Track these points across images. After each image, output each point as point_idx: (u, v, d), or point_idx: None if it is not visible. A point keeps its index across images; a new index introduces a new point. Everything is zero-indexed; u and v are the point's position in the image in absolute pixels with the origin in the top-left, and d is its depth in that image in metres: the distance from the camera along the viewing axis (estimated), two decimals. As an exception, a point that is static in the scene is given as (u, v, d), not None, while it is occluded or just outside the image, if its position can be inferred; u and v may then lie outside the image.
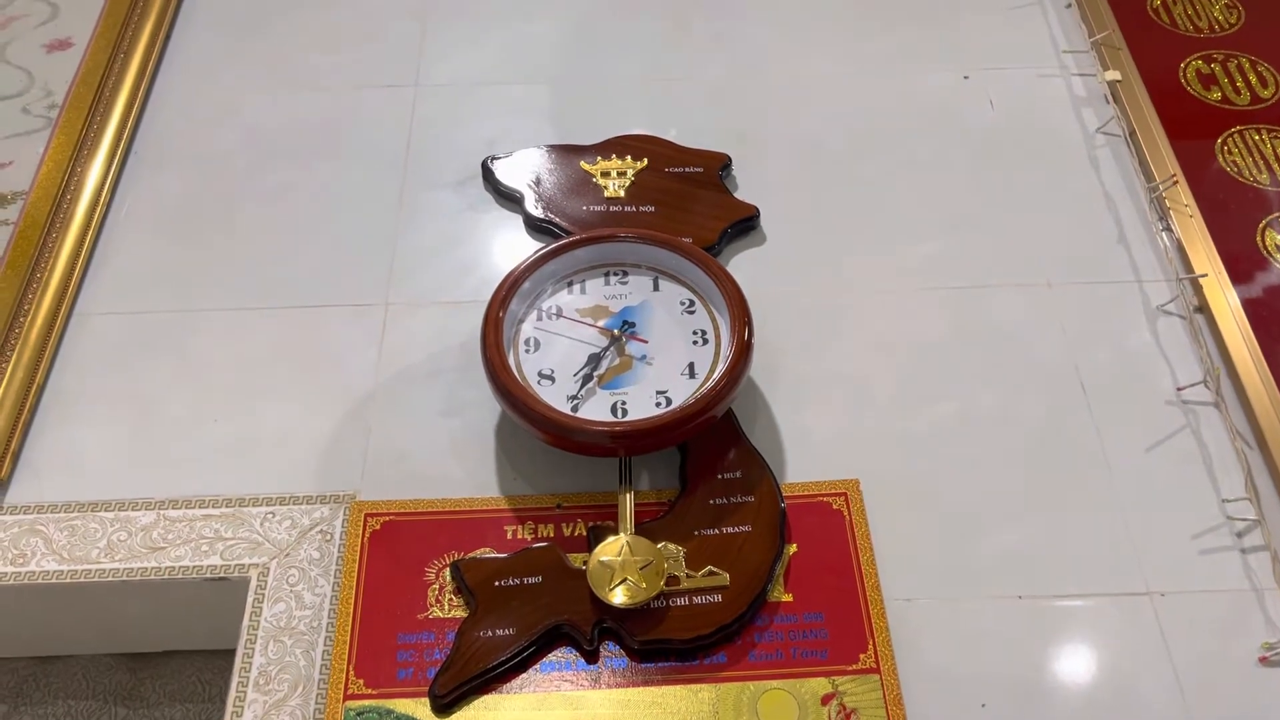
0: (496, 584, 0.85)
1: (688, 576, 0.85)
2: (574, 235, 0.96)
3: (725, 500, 0.89)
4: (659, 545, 0.86)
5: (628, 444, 0.87)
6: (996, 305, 1.00)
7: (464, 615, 0.85)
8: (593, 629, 0.84)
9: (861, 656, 0.84)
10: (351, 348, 0.99)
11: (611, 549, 0.85)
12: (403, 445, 0.94)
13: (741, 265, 1.01)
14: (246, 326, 0.99)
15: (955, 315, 0.99)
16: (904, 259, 1.02)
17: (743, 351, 0.89)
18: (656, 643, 0.84)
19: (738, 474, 0.90)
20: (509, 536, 0.89)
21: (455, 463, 0.93)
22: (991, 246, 1.02)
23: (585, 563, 0.85)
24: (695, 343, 0.92)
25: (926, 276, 1.01)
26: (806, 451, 0.93)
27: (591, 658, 0.84)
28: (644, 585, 0.82)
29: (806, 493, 0.91)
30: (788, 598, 0.87)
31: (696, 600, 0.85)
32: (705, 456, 0.91)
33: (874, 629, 0.85)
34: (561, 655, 0.84)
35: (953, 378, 0.96)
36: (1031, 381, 0.96)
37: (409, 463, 0.93)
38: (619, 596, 0.82)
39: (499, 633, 0.83)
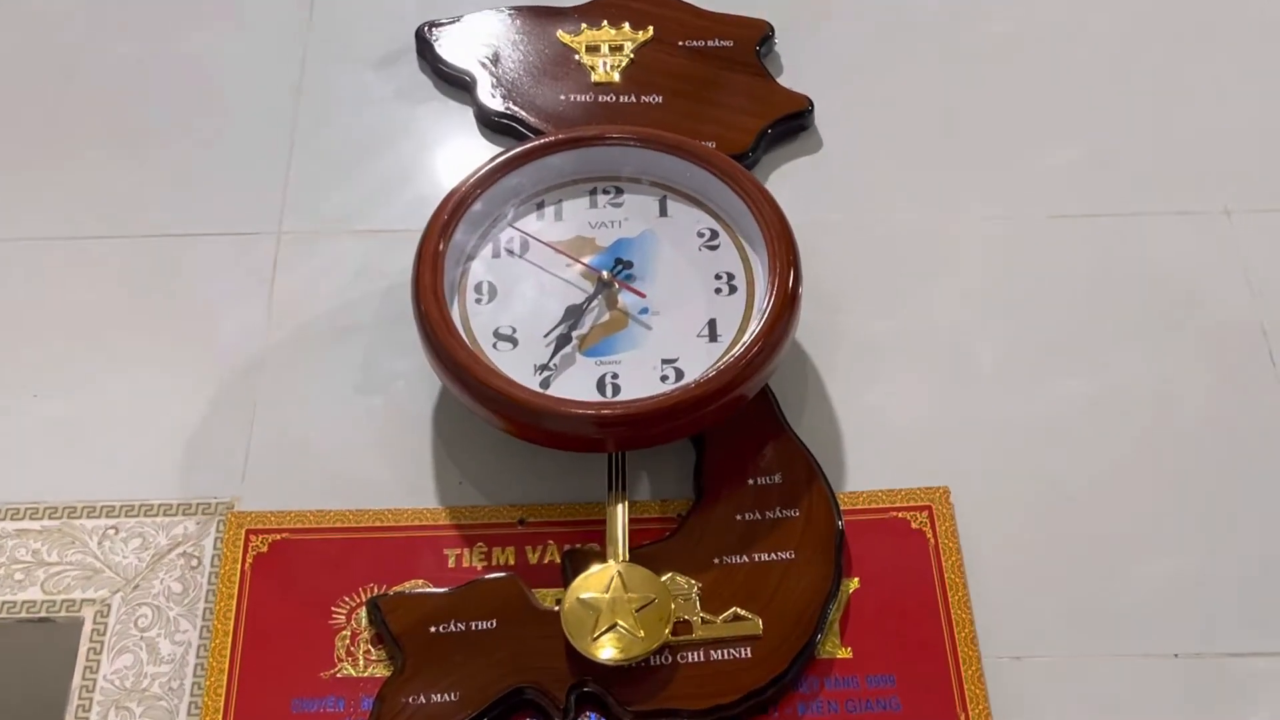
0: (432, 630, 0.85)
1: (704, 622, 0.86)
2: (546, 136, 0.96)
3: (759, 515, 0.90)
4: (664, 578, 0.87)
5: (621, 435, 0.88)
6: (1154, 241, 1.00)
7: (386, 674, 0.86)
8: (568, 696, 0.84)
9: None
10: (229, 295, 0.99)
11: (597, 582, 0.85)
12: (301, 434, 0.95)
13: (786, 182, 1.02)
14: (80, 263, 1.00)
15: (1094, 255, 0.99)
16: (1022, 174, 1.03)
17: (786, 304, 0.90)
18: (660, 715, 0.84)
19: (776, 478, 0.91)
20: (451, 564, 0.90)
21: (376, 459, 0.94)
22: (1149, 158, 1.02)
23: (559, 602, 0.85)
24: (718, 291, 0.93)
25: (1055, 199, 1.01)
26: (875, 448, 0.94)
27: None
28: (642, 634, 0.83)
29: (874, 506, 0.92)
30: (845, 653, 0.87)
31: (717, 656, 0.85)
32: (731, 454, 0.92)
33: (967, 699, 0.85)
34: None
35: (1087, 344, 0.97)
36: (1201, 349, 0.96)
37: (310, 459, 0.94)
38: (606, 650, 0.82)
39: (436, 699, 0.83)
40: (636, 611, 0.83)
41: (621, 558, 0.86)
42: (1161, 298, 0.98)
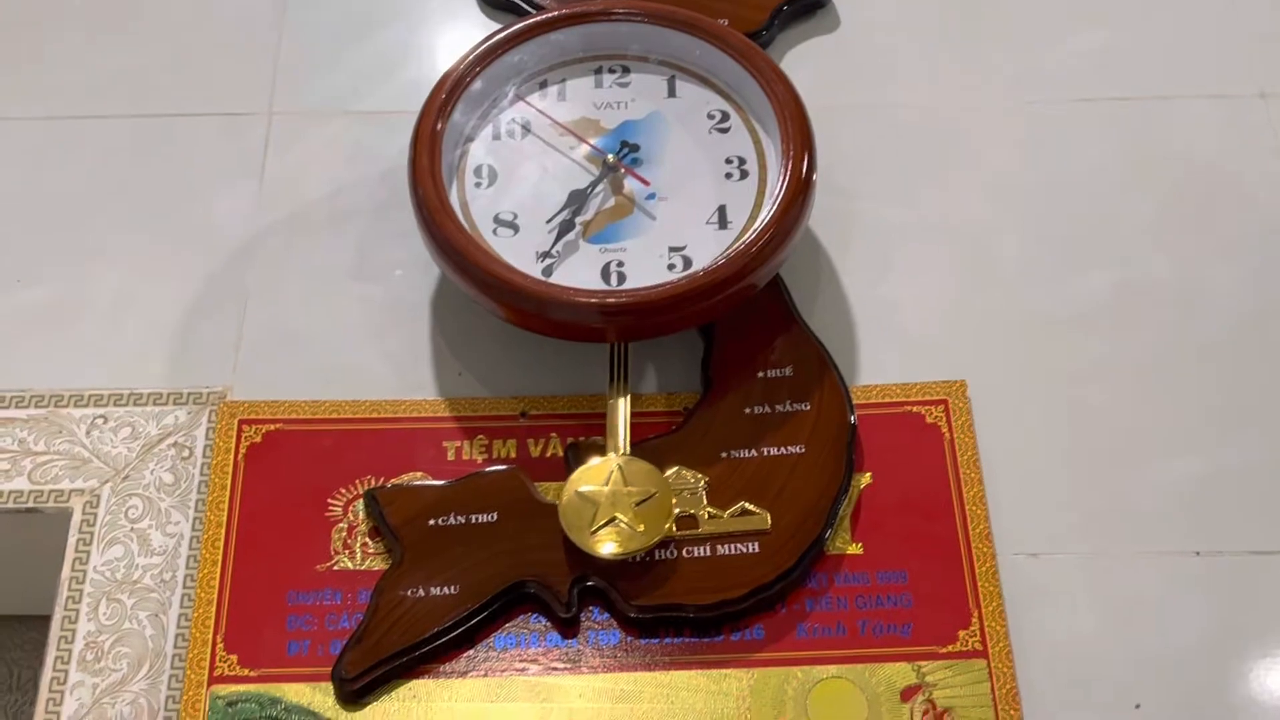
0: (431, 523, 0.85)
1: (710, 517, 0.86)
2: (550, 11, 0.95)
3: (768, 409, 0.89)
4: (669, 471, 0.87)
5: (625, 324, 0.87)
6: (1184, 126, 0.99)
7: (384, 567, 0.86)
8: (571, 589, 0.84)
9: (961, 634, 0.84)
10: (219, 178, 0.99)
11: (596, 475, 0.85)
12: (295, 322, 0.95)
13: (802, 63, 1.01)
14: (62, 146, 0.99)
15: (1121, 141, 0.99)
16: (1046, 56, 1.02)
17: (800, 190, 0.89)
18: (663, 610, 0.84)
19: (787, 371, 0.90)
20: (450, 456, 0.90)
21: (372, 349, 0.94)
22: (1180, 38, 1.02)
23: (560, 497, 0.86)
24: (729, 176, 0.92)
25: (1081, 83, 1.01)
26: (890, 341, 0.94)
27: (569, 629, 0.84)
28: (641, 528, 0.82)
29: (888, 400, 0.91)
30: (855, 549, 0.87)
31: (723, 551, 0.85)
32: (740, 346, 0.91)
33: (981, 596, 0.85)
34: (526, 626, 0.84)
35: (1112, 235, 0.96)
36: (1232, 240, 0.95)
37: (304, 348, 0.94)
38: (605, 544, 0.82)
39: (435, 592, 0.83)
40: (636, 506, 0.83)
41: (622, 451, 0.86)
42: (1191, 186, 0.97)
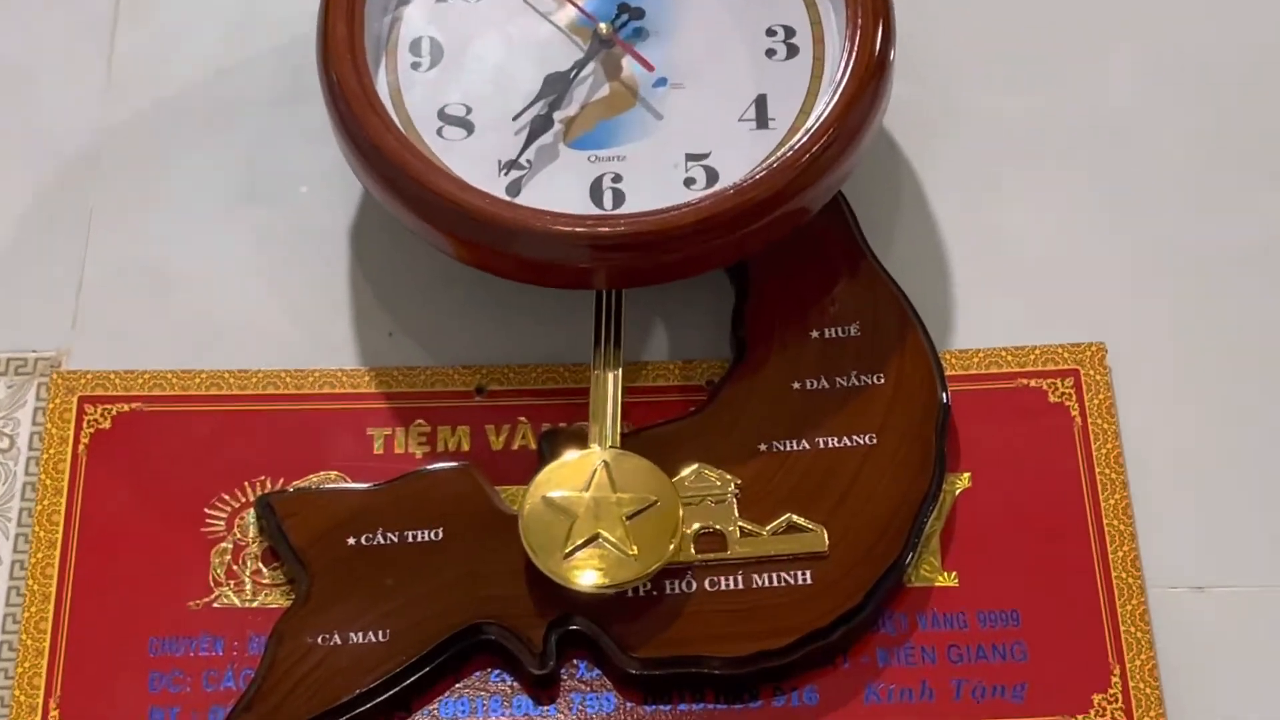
0: (351, 543, 0.85)
1: (744, 534, 0.85)
2: None
3: (825, 383, 0.89)
4: (686, 470, 0.86)
5: (623, 264, 0.87)
6: None
7: (284, 604, 0.86)
8: (547, 636, 0.83)
9: (1097, 700, 0.84)
10: (49, 59, 0.99)
11: (572, 476, 0.85)
12: (157, 260, 0.95)
13: None
14: None
15: None
16: None
17: (870, 74, 0.88)
18: (676, 665, 0.83)
19: (853, 330, 0.90)
20: (378, 449, 0.91)
21: (268, 298, 0.95)
22: None
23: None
24: (771, 54, 0.91)
25: None
26: (999, 288, 0.94)
27: (544, 691, 0.84)
28: (634, 551, 0.82)
29: (995, 370, 0.91)
30: (948, 580, 0.87)
31: (761, 582, 0.85)
32: (786, 295, 0.91)
33: (1124, 646, 0.85)
34: (484, 687, 0.84)
35: None
36: None
37: (171, 297, 0.95)
38: (584, 573, 0.82)
39: (357, 639, 0.83)
40: (627, 519, 0.83)
41: (610, 442, 0.86)
42: None
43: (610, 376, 0.87)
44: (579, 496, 0.84)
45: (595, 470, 0.84)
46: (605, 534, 0.83)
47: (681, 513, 0.84)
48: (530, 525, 0.83)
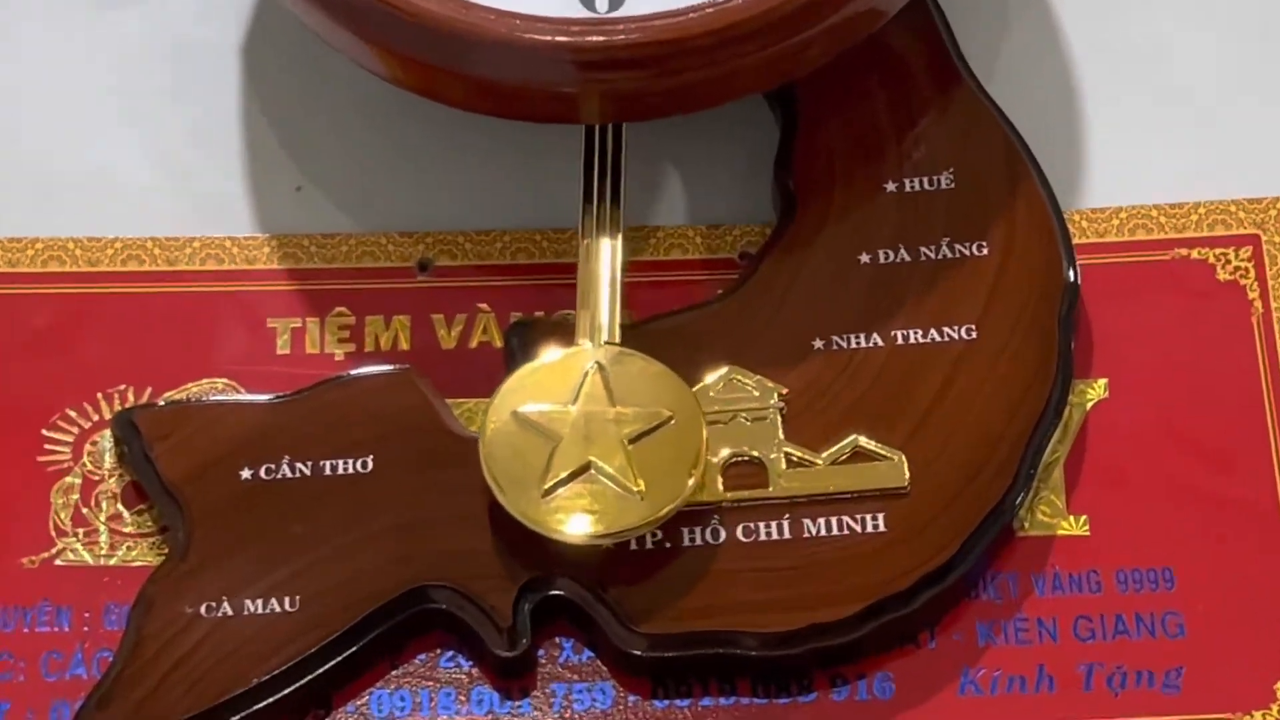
0: (245, 476, 0.85)
1: (792, 463, 0.84)
2: None
3: (904, 254, 0.89)
4: (713, 375, 0.86)
5: (621, 88, 0.86)
6: None
7: (155, 561, 0.85)
8: (517, 603, 0.82)
9: None
10: None
11: (553, 382, 0.84)
12: None
13: None
14: None
15: None
16: None
17: None
18: (697, 643, 0.83)
19: (944, 180, 0.90)
20: (282, 347, 0.91)
21: (129, 140, 0.95)
22: None
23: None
24: None
25: None
26: (1145, 123, 0.95)
27: (514, 679, 0.83)
28: (639, 486, 0.81)
29: (1141, 237, 0.91)
30: (1074, 527, 0.86)
31: (815, 529, 0.84)
32: (849, 132, 0.91)
33: None
34: (432, 673, 0.84)
35: None
36: None
37: None
38: (571, 518, 0.81)
39: (254, 608, 0.83)
40: (630, 443, 0.82)
41: (606, 337, 0.85)
42: None
43: (605, 246, 0.87)
44: (563, 412, 0.83)
45: (586, 376, 0.83)
46: (600, 463, 0.81)
47: (706, 434, 0.82)
48: (495, 452, 0.82)
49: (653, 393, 0.83)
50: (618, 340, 0.85)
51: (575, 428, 0.82)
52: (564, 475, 0.81)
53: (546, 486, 0.81)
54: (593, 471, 0.82)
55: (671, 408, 0.83)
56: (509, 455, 0.82)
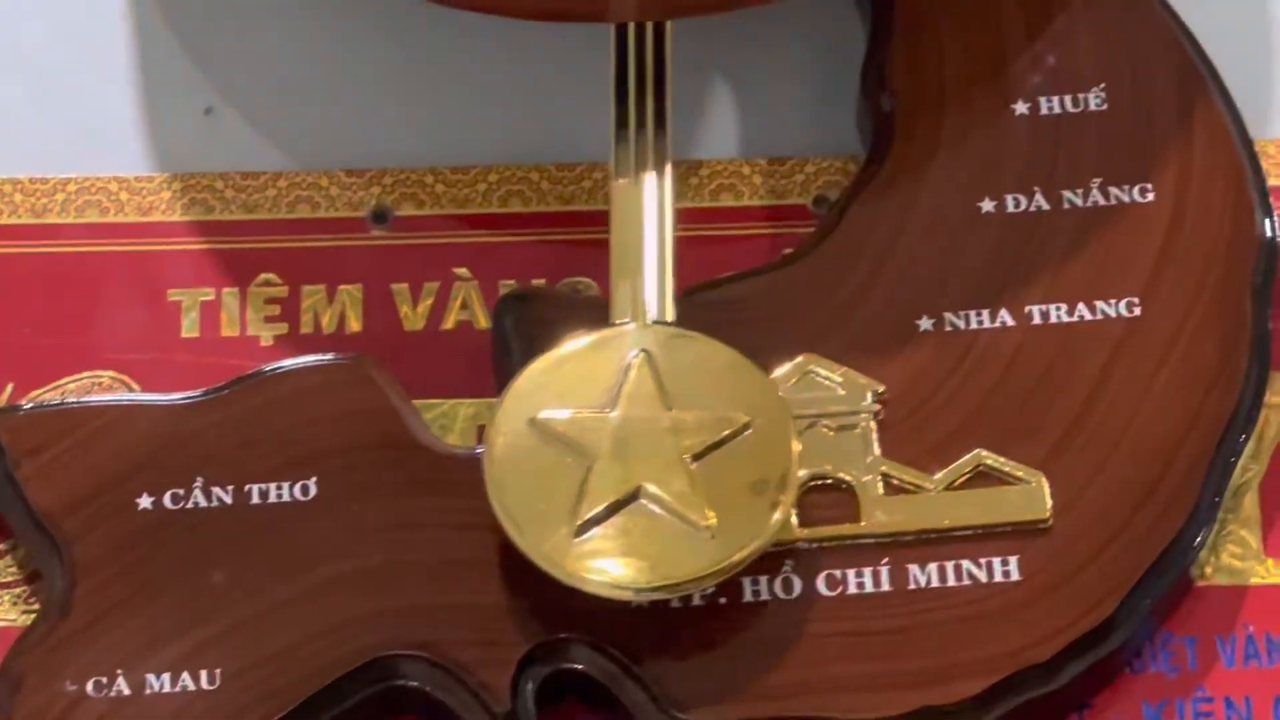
0: (144, 504, 0.83)
1: (890, 490, 0.82)
2: None
3: (1040, 202, 0.88)
4: (782, 370, 0.84)
5: None
6: None
7: (22, 621, 0.84)
8: (519, 677, 0.80)
9: None
10: None
11: (585, 379, 0.83)
12: None
13: None
14: None
15: None
16: None
17: None
18: None
19: (1093, 99, 0.89)
20: (189, 329, 0.90)
21: None
22: None
23: (483, 432, 0.85)
24: None
25: None
26: None
27: None
28: (710, 521, 0.79)
29: None
30: (1271, 574, 0.84)
31: (924, 579, 0.82)
32: (962, 35, 0.91)
33: None
34: None
35: None
36: None
37: None
38: (612, 565, 0.79)
39: (158, 685, 0.80)
40: (693, 459, 0.79)
41: (654, 316, 0.82)
42: None
43: (650, 186, 0.85)
44: (599, 419, 0.80)
45: (629, 368, 0.81)
46: (653, 488, 0.79)
47: (799, 446, 0.79)
48: (507, 476, 0.80)
49: (722, 390, 0.81)
50: (670, 319, 0.81)
51: (617, 440, 0.80)
52: (604, 506, 0.78)
53: (580, 522, 0.78)
54: (643, 500, 0.79)
55: (748, 410, 0.80)
56: (526, 479, 0.80)
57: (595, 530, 0.78)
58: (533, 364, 0.81)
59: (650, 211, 0.84)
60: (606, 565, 0.78)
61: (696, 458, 0.79)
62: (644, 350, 0.81)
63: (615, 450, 0.79)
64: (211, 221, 0.89)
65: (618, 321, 0.82)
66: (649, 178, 0.85)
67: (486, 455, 0.79)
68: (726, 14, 0.86)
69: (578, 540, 0.78)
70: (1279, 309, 0.85)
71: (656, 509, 0.78)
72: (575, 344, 0.82)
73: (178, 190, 0.90)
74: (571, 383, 0.81)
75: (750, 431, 0.79)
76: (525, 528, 0.78)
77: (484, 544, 0.80)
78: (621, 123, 0.85)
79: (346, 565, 0.80)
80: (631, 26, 0.86)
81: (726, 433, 0.79)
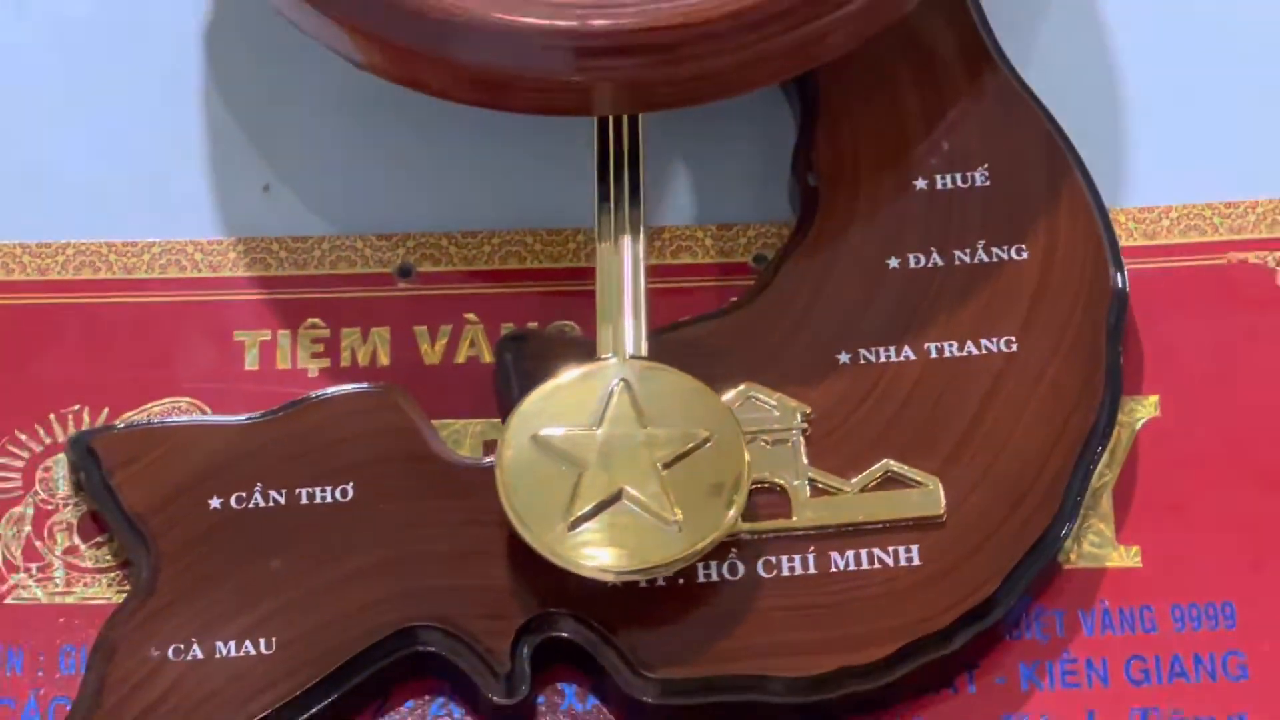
0: (215, 505, 0.85)
1: (816, 490, 0.84)
2: None
3: (937, 258, 0.89)
4: (731, 393, 0.86)
5: (630, 76, 0.86)
6: None
7: (117, 599, 0.85)
8: (516, 645, 0.82)
9: None
10: None
11: (575, 403, 0.84)
12: None
13: None
14: None
15: None
16: None
17: None
18: (713, 689, 0.82)
19: (979, 177, 0.91)
20: (251, 363, 0.91)
21: (82, 135, 0.96)
22: None
23: (491, 448, 0.87)
24: None
25: None
26: (1198, 115, 0.95)
27: None
28: (677, 516, 0.81)
29: (1195, 239, 0.92)
30: (1125, 558, 0.85)
31: (844, 563, 0.83)
32: (875, 124, 0.92)
33: None
34: None
35: None
36: None
37: None
38: (601, 552, 0.81)
39: (226, 650, 0.82)
40: (664, 467, 0.82)
41: (631, 351, 0.85)
42: None
43: (627, 249, 0.87)
44: (588, 435, 0.83)
45: (611, 394, 0.83)
46: (632, 490, 0.81)
47: (748, 456, 0.82)
48: (515, 481, 0.82)
49: (686, 411, 0.83)
50: (644, 354, 0.85)
51: (602, 452, 0.82)
52: (592, 506, 0.81)
53: (573, 518, 0.81)
54: (624, 501, 0.82)
55: (708, 427, 0.83)
56: (531, 485, 0.82)
57: (585, 525, 0.81)
58: (535, 391, 0.84)
59: (628, 270, 0.87)
60: (595, 553, 0.81)
61: (667, 466, 0.82)
62: (623, 379, 0.84)
63: (601, 461, 0.82)
64: (269, 277, 0.91)
65: (602, 357, 0.85)
66: (627, 242, 0.87)
67: (497, 465, 0.82)
68: (688, 107, 0.88)
69: (571, 534, 0.81)
70: (1128, 346, 0.88)
71: (634, 508, 0.81)
72: (569, 375, 0.84)
73: (241, 251, 0.92)
74: (565, 406, 0.83)
75: (710, 444, 0.82)
76: (530, 524, 0.81)
77: (488, 537, 0.83)
78: (604, 197, 0.88)
79: (377, 554, 0.83)
80: (611, 118, 0.89)
81: (690, 445, 0.82)
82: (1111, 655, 0.83)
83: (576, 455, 0.82)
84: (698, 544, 0.81)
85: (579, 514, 0.81)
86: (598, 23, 0.83)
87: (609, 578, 0.81)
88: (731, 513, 0.81)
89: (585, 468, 0.82)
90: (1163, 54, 0.97)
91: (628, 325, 0.85)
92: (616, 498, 0.81)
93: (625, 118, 0.88)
